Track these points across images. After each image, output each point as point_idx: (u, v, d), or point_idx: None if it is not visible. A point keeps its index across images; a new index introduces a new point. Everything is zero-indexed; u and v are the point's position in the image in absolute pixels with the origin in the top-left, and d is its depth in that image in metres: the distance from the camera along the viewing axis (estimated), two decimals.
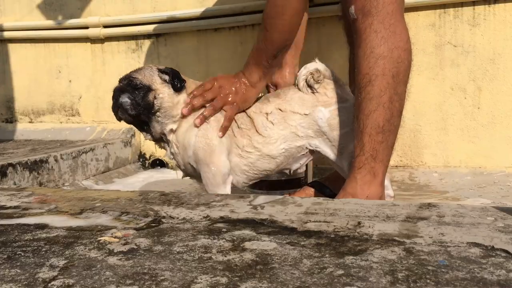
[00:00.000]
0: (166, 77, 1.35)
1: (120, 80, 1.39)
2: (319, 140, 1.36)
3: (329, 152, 1.35)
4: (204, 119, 1.34)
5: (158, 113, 1.33)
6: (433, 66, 1.90)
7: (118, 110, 1.34)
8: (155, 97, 1.32)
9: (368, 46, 1.21)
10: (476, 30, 1.84)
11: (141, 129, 1.40)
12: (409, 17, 1.91)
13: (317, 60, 1.37)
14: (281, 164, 1.39)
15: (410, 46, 1.24)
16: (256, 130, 1.36)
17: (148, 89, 1.32)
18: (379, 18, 1.20)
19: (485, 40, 1.83)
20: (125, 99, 1.32)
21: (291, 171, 1.44)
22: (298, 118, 1.35)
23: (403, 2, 1.27)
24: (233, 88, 1.37)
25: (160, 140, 1.41)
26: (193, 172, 1.40)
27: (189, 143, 1.35)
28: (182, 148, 1.37)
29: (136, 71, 1.38)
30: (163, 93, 1.33)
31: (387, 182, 1.34)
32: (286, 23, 1.31)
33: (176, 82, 1.34)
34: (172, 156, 1.40)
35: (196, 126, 1.34)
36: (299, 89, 1.37)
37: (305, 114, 1.35)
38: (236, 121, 1.38)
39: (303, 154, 1.39)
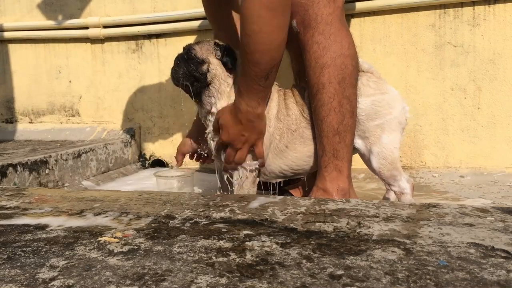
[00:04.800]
0: (220, 54, 1.37)
1: (183, 48, 1.44)
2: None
3: (360, 143, 1.37)
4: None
5: (210, 87, 1.37)
6: (433, 66, 1.90)
7: (172, 78, 1.40)
8: (208, 70, 1.36)
9: (313, 58, 1.28)
10: (476, 30, 1.84)
11: (195, 98, 1.44)
12: (409, 17, 1.91)
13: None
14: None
15: (353, 51, 1.30)
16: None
17: (202, 61, 1.36)
18: (319, 29, 1.26)
19: (485, 40, 1.83)
20: (178, 68, 1.38)
21: None
22: None
23: (342, 9, 1.32)
24: (242, 134, 1.32)
25: (206, 115, 1.42)
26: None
27: None
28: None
29: (197, 42, 1.42)
30: (216, 69, 1.36)
31: (408, 187, 1.36)
32: (266, 41, 1.18)
33: (227, 60, 1.35)
34: (211, 136, 1.42)
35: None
36: None
37: None
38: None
39: None
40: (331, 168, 1.29)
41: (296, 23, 1.29)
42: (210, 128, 1.41)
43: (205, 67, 1.35)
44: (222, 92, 1.37)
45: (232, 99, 1.35)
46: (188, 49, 1.38)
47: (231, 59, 1.35)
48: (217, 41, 1.41)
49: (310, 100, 1.32)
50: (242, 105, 1.28)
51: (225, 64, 1.36)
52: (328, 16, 1.26)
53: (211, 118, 1.40)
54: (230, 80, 1.37)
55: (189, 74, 1.36)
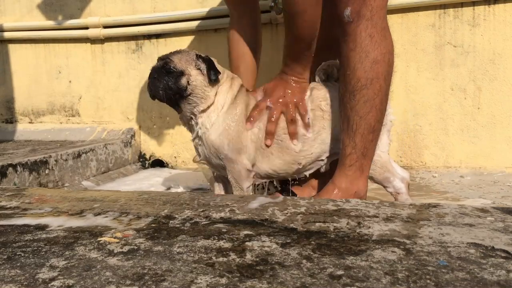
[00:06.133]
0: (202, 66, 1.37)
1: (158, 59, 1.41)
2: None
3: None
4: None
5: (190, 97, 1.37)
6: (433, 66, 1.90)
7: (150, 91, 1.38)
8: (188, 83, 1.35)
9: (364, 50, 1.24)
10: (476, 30, 1.84)
11: (174, 108, 1.44)
12: (409, 17, 1.91)
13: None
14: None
15: (394, 49, 1.30)
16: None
17: (181, 73, 1.35)
18: (373, 22, 1.23)
19: (485, 40, 1.83)
20: (158, 82, 1.36)
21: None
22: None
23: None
24: (288, 91, 1.42)
25: (189, 121, 1.43)
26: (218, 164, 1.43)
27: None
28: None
29: (174, 53, 1.40)
30: (196, 80, 1.36)
31: (403, 187, 1.36)
32: (311, 16, 1.30)
33: (212, 74, 1.36)
34: (198, 141, 1.42)
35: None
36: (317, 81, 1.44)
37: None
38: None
39: None
40: (355, 167, 1.27)
41: (351, 12, 1.23)
42: (194, 134, 1.42)
43: (184, 79, 1.34)
44: (204, 98, 1.38)
45: (212, 102, 1.37)
46: (165, 61, 1.36)
47: (215, 72, 1.36)
48: (197, 52, 1.40)
49: (349, 94, 1.27)
50: (289, 73, 1.42)
51: (208, 77, 1.36)
52: (381, 10, 1.23)
53: (194, 123, 1.41)
54: (209, 88, 1.37)
55: (168, 88, 1.35)
